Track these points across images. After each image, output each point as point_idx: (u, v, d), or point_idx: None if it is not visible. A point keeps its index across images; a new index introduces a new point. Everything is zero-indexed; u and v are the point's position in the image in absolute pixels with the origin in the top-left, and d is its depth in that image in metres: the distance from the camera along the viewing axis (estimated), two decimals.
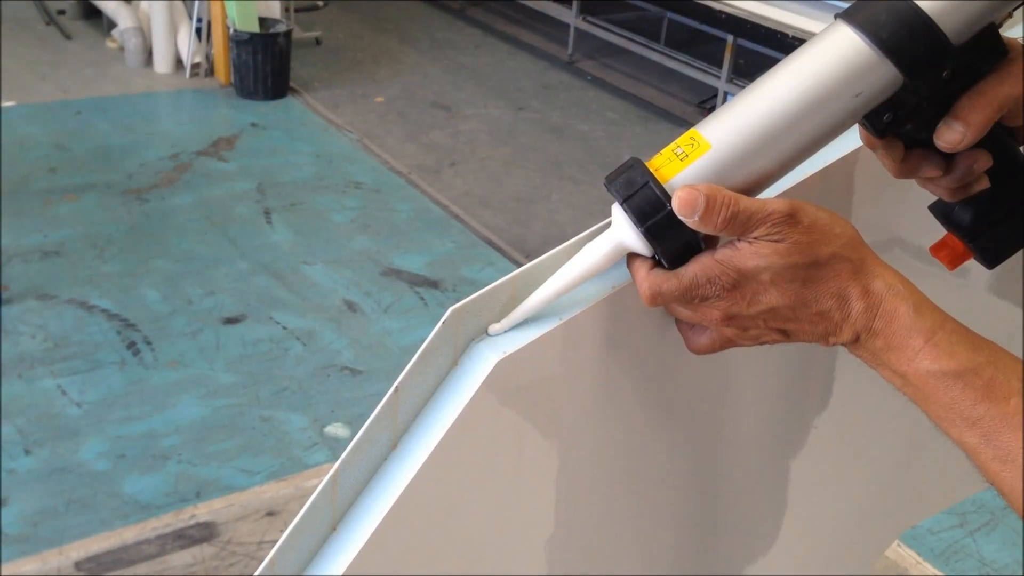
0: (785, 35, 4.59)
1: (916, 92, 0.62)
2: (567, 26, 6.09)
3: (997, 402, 0.59)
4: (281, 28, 5.25)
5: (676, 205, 0.61)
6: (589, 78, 6.00)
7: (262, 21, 5.20)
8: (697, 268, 0.63)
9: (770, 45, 4.78)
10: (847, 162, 0.78)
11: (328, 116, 5.20)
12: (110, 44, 5.80)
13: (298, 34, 5.81)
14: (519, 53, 6.38)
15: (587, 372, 0.68)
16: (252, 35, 5.11)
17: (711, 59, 5.33)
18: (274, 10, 5.41)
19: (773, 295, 0.63)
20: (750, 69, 5.51)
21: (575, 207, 4.43)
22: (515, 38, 6.61)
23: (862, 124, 0.65)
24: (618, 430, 0.74)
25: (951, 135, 0.64)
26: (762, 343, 0.67)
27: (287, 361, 3.22)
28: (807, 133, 0.62)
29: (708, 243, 0.64)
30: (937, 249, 0.73)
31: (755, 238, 0.62)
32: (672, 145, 0.64)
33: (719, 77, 5.17)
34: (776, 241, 0.62)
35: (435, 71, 5.98)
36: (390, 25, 6.72)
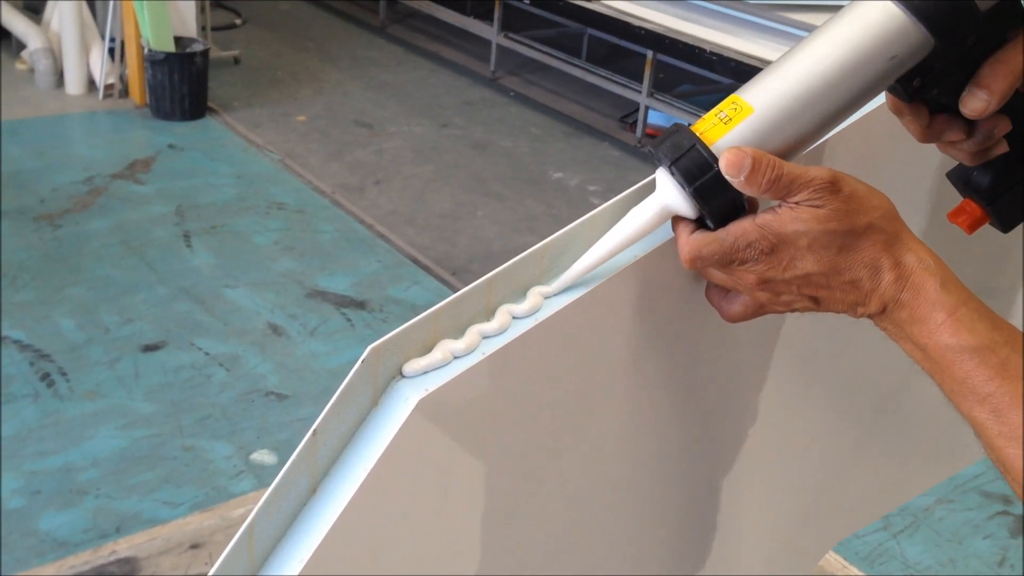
0: (703, 50, 4.65)
1: (944, 57, 0.66)
2: (489, 43, 6.10)
3: (1010, 380, 0.61)
4: (198, 47, 5.16)
5: (723, 165, 0.65)
6: (512, 94, 6.01)
7: (178, 40, 5.10)
8: (737, 231, 0.66)
9: (689, 60, 4.85)
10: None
11: (248, 136, 5.12)
12: (19, 66, 5.62)
13: (215, 53, 5.71)
14: (441, 70, 6.37)
15: (513, 406, 0.67)
16: (167, 55, 5.01)
17: (632, 74, 5.39)
18: (190, 29, 5.31)
19: (809, 261, 0.65)
20: (670, 83, 5.58)
21: (501, 223, 4.43)
22: (437, 55, 6.59)
23: (891, 91, 0.69)
24: (548, 460, 0.73)
25: (976, 103, 0.67)
26: (793, 310, 0.69)
27: (210, 388, 3.14)
28: (845, 95, 0.66)
29: (749, 209, 0.67)
30: (955, 215, 0.76)
31: (796, 203, 0.64)
32: (715, 110, 0.67)
33: (640, 91, 5.22)
34: (816, 207, 0.64)
35: (357, 89, 5.93)
36: (310, 43, 6.65)
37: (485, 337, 0.63)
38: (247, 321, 3.52)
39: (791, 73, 0.66)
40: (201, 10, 5.46)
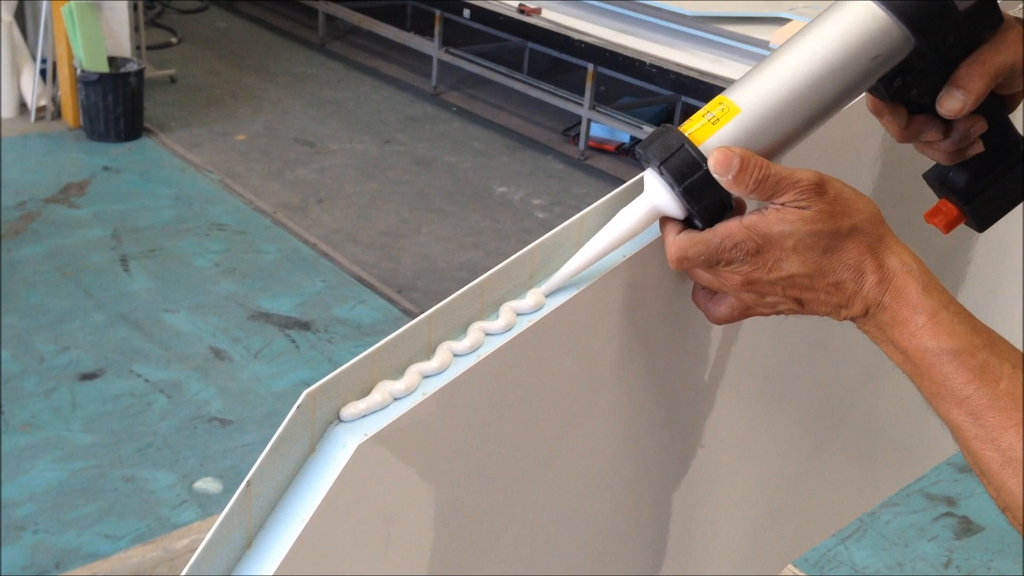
0: (643, 63, 4.69)
1: (924, 57, 0.68)
2: (430, 58, 6.09)
3: (987, 383, 0.62)
4: (132, 67, 5.06)
5: (712, 164, 0.66)
6: (454, 109, 6.00)
7: (111, 60, 5.01)
8: (724, 232, 0.66)
9: (629, 72, 4.88)
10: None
11: (186, 156, 5.03)
12: None
13: (151, 72, 5.62)
14: (383, 86, 6.33)
15: (460, 444, 0.64)
16: (101, 75, 4.91)
17: (573, 87, 5.41)
18: (124, 48, 5.22)
19: (794, 262, 0.66)
20: (611, 96, 5.61)
21: (446, 239, 4.40)
22: (378, 71, 6.56)
23: (871, 91, 0.71)
24: (504, 494, 0.71)
25: (953, 103, 0.69)
26: (778, 312, 0.70)
27: (151, 416, 3.07)
28: (830, 95, 0.67)
29: (736, 211, 0.68)
30: (932, 215, 0.77)
31: (782, 204, 0.65)
32: (703, 110, 0.68)
33: (582, 104, 5.24)
34: (802, 208, 0.65)
35: (297, 106, 5.87)
36: (249, 61, 6.57)
37: (425, 376, 0.61)
38: (188, 346, 3.45)
39: (777, 73, 0.67)
40: (135, 29, 5.37)
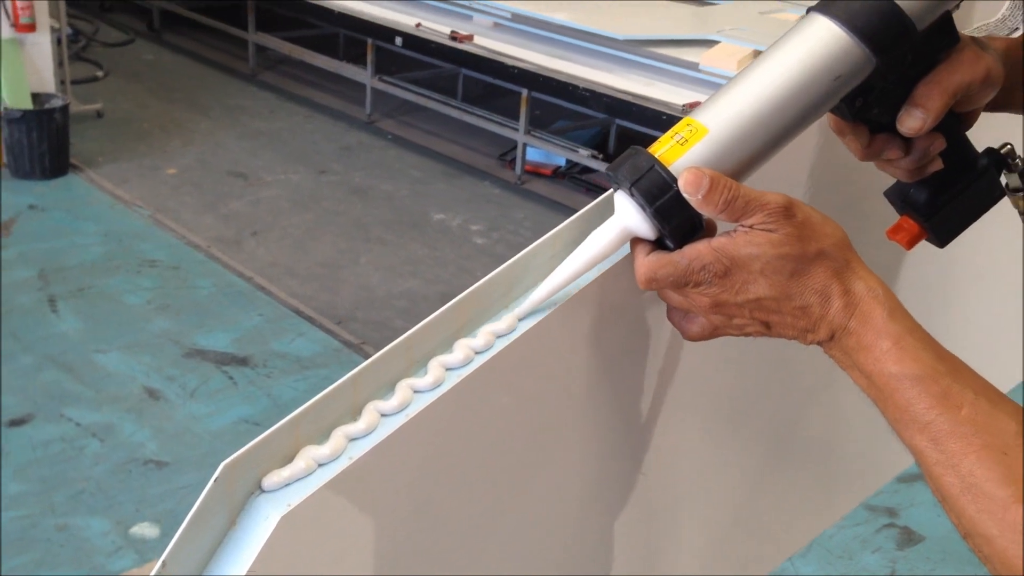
0: (576, 87, 4.72)
1: (884, 76, 0.70)
2: (364, 86, 6.06)
3: (949, 410, 0.63)
4: (57, 103, 4.96)
5: (682, 184, 0.66)
6: (390, 137, 5.97)
7: (35, 96, 4.90)
8: (692, 254, 0.67)
9: (562, 96, 4.91)
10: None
11: (115, 192, 4.93)
12: None
13: (76, 107, 5.50)
14: (317, 116, 6.28)
15: (394, 506, 0.62)
16: (25, 112, 4.80)
17: (508, 112, 5.42)
18: (48, 84, 5.10)
19: (761, 285, 0.67)
20: (546, 120, 5.64)
21: (385, 268, 4.37)
22: (311, 101, 6.50)
23: (834, 111, 0.73)
24: (438, 554, 0.69)
25: (912, 121, 0.71)
26: (746, 333, 0.70)
27: (83, 461, 2.98)
28: (794, 114, 0.69)
29: (707, 234, 0.68)
30: (894, 232, 0.79)
31: (750, 226, 0.66)
32: (671, 132, 0.69)
33: (517, 129, 5.26)
34: (770, 231, 0.66)
35: (229, 138, 5.80)
36: (178, 94, 6.47)
37: (352, 439, 0.59)
38: (121, 387, 3.36)
39: (744, 94, 0.69)
40: (59, 64, 5.26)
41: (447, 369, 0.63)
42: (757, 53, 4.51)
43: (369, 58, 5.89)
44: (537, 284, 0.70)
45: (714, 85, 4.46)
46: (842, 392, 1.13)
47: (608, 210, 0.72)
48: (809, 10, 0.70)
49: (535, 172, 5.44)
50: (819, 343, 0.68)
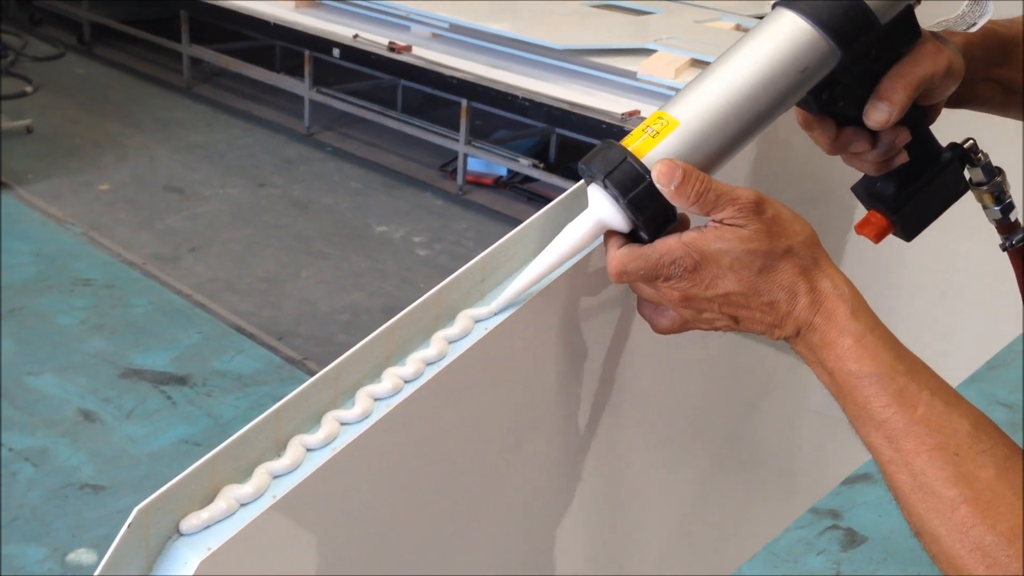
0: (515, 96, 4.72)
1: (849, 69, 0.72)
2: (302, 99, 5.99)
3: (905, 408, 0.64)
4: None
5: (655, 174, 0.68)
6: (329, 149, 5.92)
7: None
8: (663, 248, 0.68)
9: (502, 106, 4.91)
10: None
11: (47, 210, 4.81)
12: None
13: (5, 123, 5.37)
14: (254, 128, 6.20)
15: (318, 548, 0.60)
16: None
17: (448, 122, 5.41)
18: None
19: (730, 280, 0.68)
20: (487, 130, 5.63)
21: (327, 282, 4.32)
22: (249, 113, 6.41)
23: (802, 105, 0.75)
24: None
25: (878, 114, 0.73)
26: (716, 328, 0.71)
27: (16, 487, 2.90)
28: (762, 107, 0.71)
29: (679, 228, 0.70)
30: (862, 226, 0.81)
31: (720, 221, 0.67)
32: (643, 125, 0.71)
33: (457, 140, 5.24)
34: (739, 226, 0.67)
35: (165, 153, 5.69)
36: (110, 108, 6.34)
37: (276, 476, 0.57)
38: (55, 410, 3.28)
39: (714, 87, 0.71)
40: None
41: (375, 399, 0.61)
42: (694, 62, 4.56)
43: (307, 70, 5.83)
44: (472, 308, 0.68)
45: (652, 93, 4.49)
46: (785, 399, 1.14)
47: (551, 225, 0.71)
48: (775, 5, 0.72)
49: (476, 182, 5.43)
50: (786, 339, 0.69)
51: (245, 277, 4.34)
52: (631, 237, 0.71)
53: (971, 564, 0.61)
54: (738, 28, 5.19)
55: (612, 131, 4.43)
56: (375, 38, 5.30)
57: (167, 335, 3.80)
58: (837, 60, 0.71)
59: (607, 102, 4.51)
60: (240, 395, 3.46)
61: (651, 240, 0.69)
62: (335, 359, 0.65)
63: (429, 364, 0.64)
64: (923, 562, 0.66)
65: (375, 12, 5.52)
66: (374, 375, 0.63)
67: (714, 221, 0.68)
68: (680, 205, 0.68)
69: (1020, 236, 0.85)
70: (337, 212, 5.09)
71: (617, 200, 0.69)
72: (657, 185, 0.68)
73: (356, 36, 5.35)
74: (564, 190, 0.75)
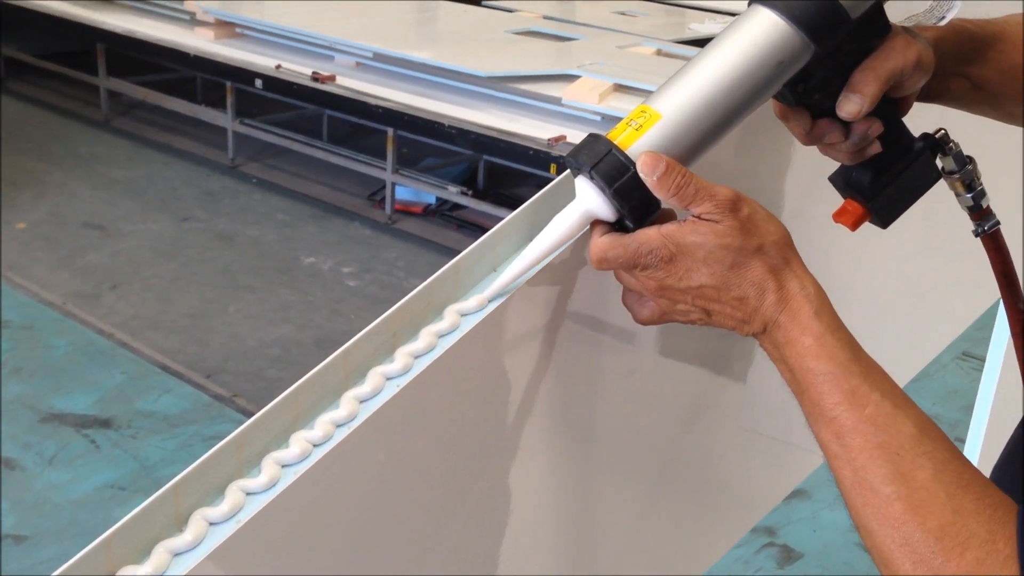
0: (442, 124, 4.71)
1: (822, 62, 0.75)
2: (225, 130, 5.91)
3: (854, 407, 0.66)
4: None
5: (640, 165, 0.71)
6: (254, 181, 5.84)
7: None
8: (642, 238, 0.71)
9: (429, 134, 4.90)
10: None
11: None
12: None
13: None
14: (177, 161, 6.09)
15: None
16: None
17: (375, 151, 5.38)
18: None
19: (703, 273, 0.70)
20: (414, 157, 5.61)
21: (255, 316, 4.25)
22: (170, 146, 6.30)
23: (778, 98, 0.79)
24: None
25: (850, 106, 0.76)
26: (691, 320, 0.74)
27: None
28: (740, 98, 0.74)
29: (661, 220, 0.73)
30: (839, 214, 0.84)
31: (697, 216, 0.71)
32: (627, 119, 0.74)
33: (385, 168, 5.22)
34: (715, 222, 0.70)
35: (84, 189, 5.56)
36: (27, 144, 6.17)
37: (176, 554, 0.54)
38: None
39: (693, 80, 0.74)
40: None
41: (282, 466, 0.59)
42: (618, 86, 4.61)
43: (229, 101, 5.76)
44: (383, 364, 0.66)
45: (577, 119, 4.53)
46: (718, 420, 1.14)
47: (450, 280, 0.69)
48: (752, 2, 0.76)
49: (405, 211, 5.40)
50: (754, 335, 0.72)
51: (169, 314, 4.25)
52: (617, 228, 0.75)
53: (899, 559, 0.63)
54: (659, 53, 5.27)
55: (539, 157, 4.44)
56: (298, 68, 5.26)
57: (89, 376, 3.70)
58: (811, 54, 0.74)
59: (533, 128, 4.53)
60: (167, 436, 3.38)
61: (636, 230, 0.73)
62: (266, 395, 0.62)
63: (339, 426, 0.61)
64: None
65: (297, 42, 5.48)
66: (281, 440, 0.60)
67: (693, 216, 0.71)
68: (661, 196, 0.71)
69: (992, 222, 0.88)
70: (264, 244, 5.02)
71: (603, 191, 0.72)
72: (641, 175, 0.71)
73: (279, 66, 5.30)
74: (494, 216, 0.75)
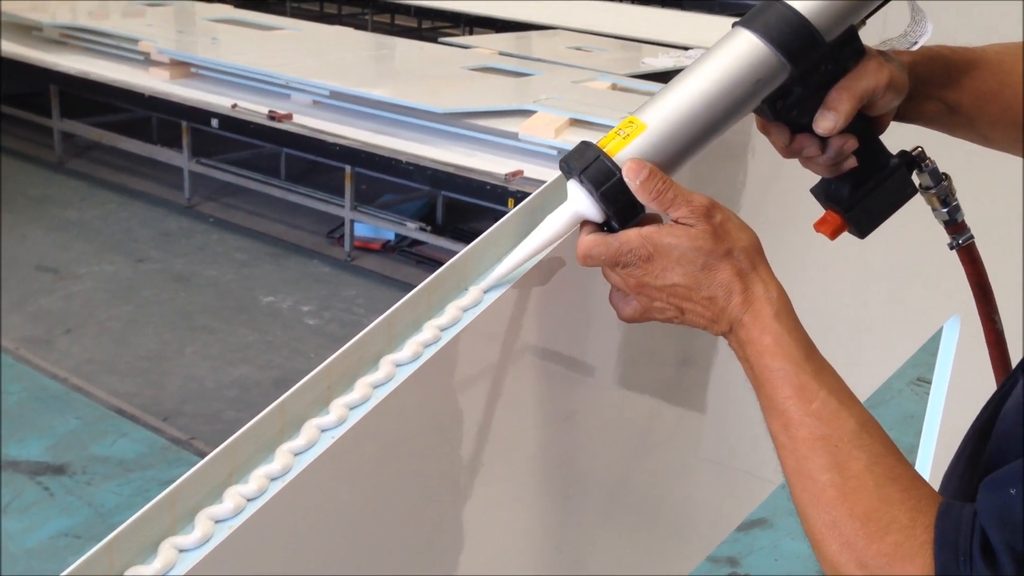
0: (399, 161, 4.72)
1: (799, 81, 0.81)
2: (181, 170, 5.88)
3: (802, 401, 0.72)
4: None
5: (625, 170, 0.77)
6: (212, 220, 5.80)
7: None
8: (623, 238, 0.77)
9: (387, 171, 4.90)
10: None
11: None
12: None
13: None
14: (132, 202, 6.03)
15: None
16: None
17: (334, 189, 5.37)
18: None
19: (677, 273, 0.76)
20: (373, 194, 5.61)
21: (213, 357, 4.21)
22: (126, 187, 6.24)
23: (759, 112, 0.85)
24: None
25: (826, 122, 0.82)
26: (668, 318, 0.79)
27: None
28: (721, 112, 0.80)
29: (644, 222, 0.78)
30: (820, 224, 0.90)
31: (675, 220, 0.76)
32: (616, 128, 0.80)
33: (343, 206, 5.21)
34: (690, 226, 0.76)
35: (36, 231, 5.49)
36: None
37: None
38: None
39: (678, 95, 0.80)
40: None
41: (216, 522, 0.58)
42: (574, 121, 4.65)
43: (185, 141, 5.73)
44: (318, 417, 0.66)
45: (534, 153, 4.56)
46: (673, 449, 1.15)
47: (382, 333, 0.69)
48: (734, 24, 0.82)
49: (364, 248, 5.39)
50: (723, 334, 0.77)
51: (125, 357, 4.19)
52: (605, 229, 0.80)
53: (828, 540, 0.68)
54: (614, 87, 5.33)
55: (497, 192, 4.46)
56: (254, 107, 5.25)
57: (43, 422, 3.64)
58: (787, 73, 0.80)
59: (490, 163, 4.56)
60: (123, 481, 3.33)
61: (621, 230, 0.78)
62: (223, 437, 0.62)
63: (274, 479, 0.61)
64: None
65: (253, 81, 5.48)
66: (215, 496, 0.60)
67: (671, 220, 0.77)
68: (643, 200, 0.77)
69: (967, 236, 0.95)
70: (222, 284, 4.98)
71: (592, 193, 0.78)
72: (626, 180, 0.77)
73: (235, 105, 5.29)
74: (452, 252, 0.77)
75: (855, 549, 0.67)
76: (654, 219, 0.79)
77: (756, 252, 0.78)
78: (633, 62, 6.12)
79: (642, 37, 6.85)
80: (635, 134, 0.79)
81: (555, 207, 0.82)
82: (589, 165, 0.78)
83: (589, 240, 0.79)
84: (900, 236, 1.32)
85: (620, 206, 0.78)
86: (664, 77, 5.59)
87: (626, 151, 0.79)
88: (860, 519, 0.68)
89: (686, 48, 6.29)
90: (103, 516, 3.15)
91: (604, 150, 0.79)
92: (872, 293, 1.43)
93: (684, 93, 0.80)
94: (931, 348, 1.75)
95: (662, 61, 6.03)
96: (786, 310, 0.76)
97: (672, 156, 0.80)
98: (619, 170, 0.78)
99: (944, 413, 1.74)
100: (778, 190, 1.10)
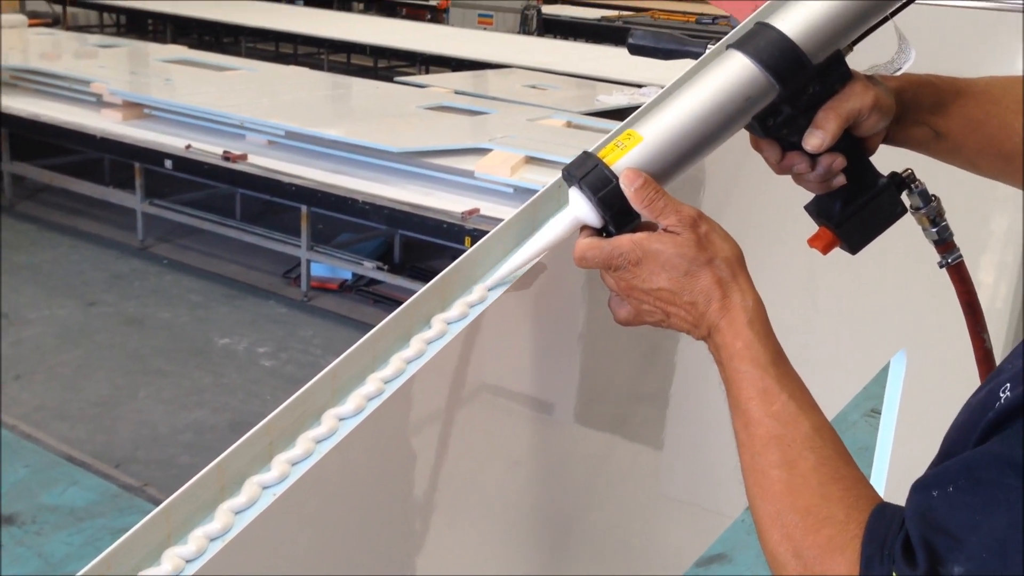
0: (356, 200, 4.71)
1: (788, 101, 0.86)
2: (134, 211, 5.81)
3: (763, 403, 0.77)
4: None
5: (622, 178, 0.82)
6: (165, 262, 5.73)
7: None
8: (616, 243, 0.82)
9: (343, 211, 4.89)
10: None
11: None
12: None
13: None
14: (83, 245, 5.95)
15: None
16: None
17: (290, 228, 5.34)
18: None
19: (662, 277, 0.81)
20: (330, 233, 5.59)
21: (167, 401, 4.14)
22: (77, 229, 6.16)
23: (751, 129, 0.90)
24: None
25: (814, 140, 0.87)
26: (656, 321, 0.84)
27: None
28: (713, 127, 0.86)
29: (641, 229, 0.83)
30: (813, 240, 0.94)
31: (664, 228, 0.81)
32: (614, 140, 0.86)
33: (299, 246, 5.18)
34: (676, 234, 0.81)
35: None
36: None
37: None
38: None
39: (673, 110, 0.86)
40: None
41: (187, 561, 0.57)
42: (529, 159, 4.68)
43: (138, 182, 5.68)
44: (259, 474, 0.65)
45: (490, 191, 4.57)
46: (629, 484, 1.14)
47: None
48: (728, 47, 0.87)
49: (322, 287, 5.36)
50: (703, 339, 0.82)
51: (76, 402, 4.11)
52: (603, 234, 0.85)
53: (771, 530, 0.73)
54: (569, 125, 5.37)
55: (454, 230, 4.46)
56: (209, 147, 5.22)
57: None
58: (776, 93, 0.86)
59: (447, 202, 4.56)
60: (73, 531, 3.25)
61: (618, 234, 0.83)
62: (177, 483, 0.61)
63: (213, 539, 0.60)
64: None
65: (207, 121, 5.45)
66: (153, 558, 0.58)
67: (661, 227, 0.82)
68: (636, 207, 0.82)
69: (956, 255, 0.99)
70: (176, 327, 4.92)
71: (590, 199, 0.83)
72: (622, 187, 0.82)
73: (189, 146, 5.26)
74: (410, 291, 0.76)
75: (793, 540, 0.72)
76: (649, 227, 0.84)
77: (737, 262, 0.83)
78: (588, 100, 6.18)
79: (596, 75, 6.94)
80: (632, 145, 0.85)
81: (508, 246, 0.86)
82: (588, 172, 0.84)
83: (585, 243, 0.84)
84: (848, 272, 1.34)
85: (616, 211, 0.83)
86: (618, 115, 5.66)
87: (623, 161, 0.84)
88: (800, 512, 0.72)
89: (639, 86, 6.37)
90: (53, 567, 3.07)
91: (603, 160, 0.85)
92: (819, 329, 1.45)
93: (678, 108, 0.86)
94: (883, 380, 1.77)
95: (616, 99, 6.11)
96: (760, 319, 0.81)
97: (666, 167, 0.85)
98: (616, 178, 0.83)
99: (894, 443, 1.75)
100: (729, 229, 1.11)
